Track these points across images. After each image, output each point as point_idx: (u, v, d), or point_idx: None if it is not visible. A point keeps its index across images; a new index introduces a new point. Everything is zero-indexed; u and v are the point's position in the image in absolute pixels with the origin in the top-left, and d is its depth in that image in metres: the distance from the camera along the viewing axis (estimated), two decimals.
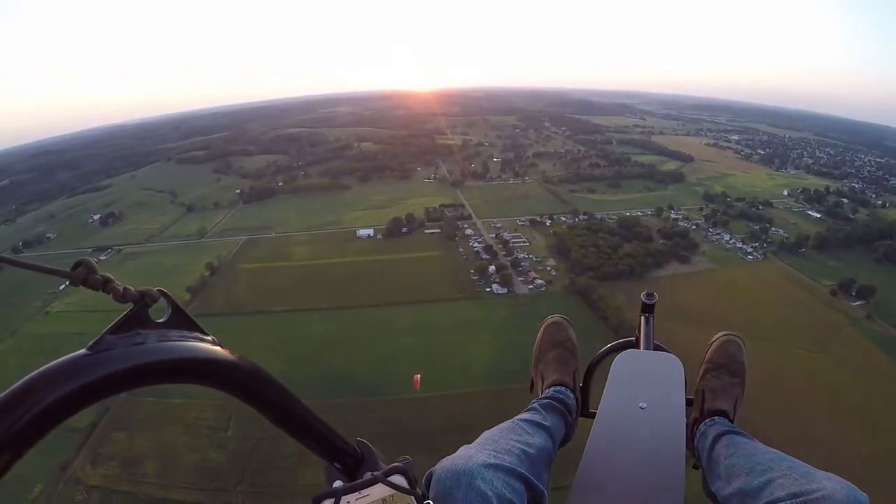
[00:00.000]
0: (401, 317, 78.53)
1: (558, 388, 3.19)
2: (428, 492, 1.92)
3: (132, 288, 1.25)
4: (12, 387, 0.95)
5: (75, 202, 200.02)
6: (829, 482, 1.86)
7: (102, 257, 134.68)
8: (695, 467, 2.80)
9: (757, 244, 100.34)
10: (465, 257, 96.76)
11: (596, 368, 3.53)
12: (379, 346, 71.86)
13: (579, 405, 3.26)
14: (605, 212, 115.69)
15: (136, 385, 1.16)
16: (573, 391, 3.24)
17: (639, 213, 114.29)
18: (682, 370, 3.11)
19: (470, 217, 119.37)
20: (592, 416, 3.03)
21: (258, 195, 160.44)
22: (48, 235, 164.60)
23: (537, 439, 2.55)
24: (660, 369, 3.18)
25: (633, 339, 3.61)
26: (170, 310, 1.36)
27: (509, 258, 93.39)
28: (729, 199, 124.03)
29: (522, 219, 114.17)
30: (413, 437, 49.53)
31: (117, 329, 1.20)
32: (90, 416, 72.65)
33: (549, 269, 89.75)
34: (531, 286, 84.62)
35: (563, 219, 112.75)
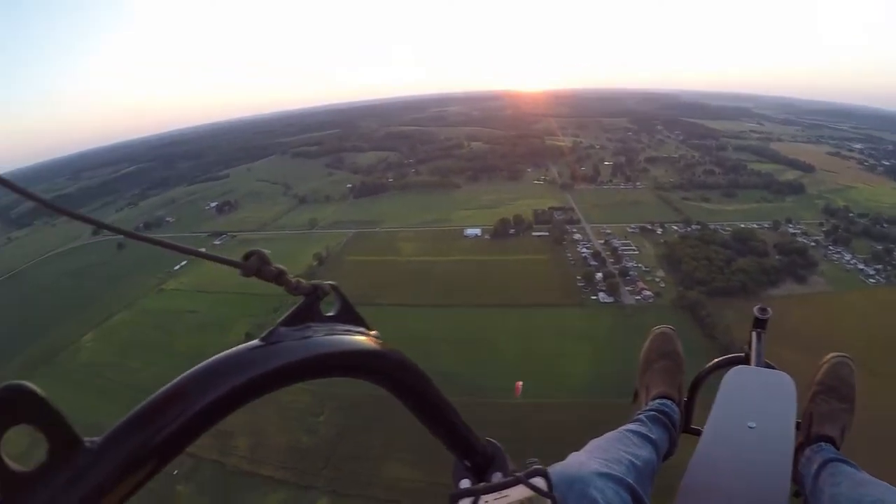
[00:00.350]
0: (504, 319, 78.13)
1: (664, 400, 3.17)
2: None
3: (304, 281, 1.26)
4: (191, 370, 0.98)
5: (194, 190, 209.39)
6: None
7: (217, 242, 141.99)
8: (796, 494, 2.68)
9: (880, 266, 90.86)
10: (572, 262, 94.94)
11: (702, 383, 3.53)
12: (479, 347, 71.82)
13: (683, 420, 3.25)
14: (718, 222, 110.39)
15: (306, 377, 1.16)
16: (678, 405, 3.23)
17: (754, 226, 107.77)
18: (795, 391, 3.04)
19: (579, 221, 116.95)
20: (695, 432, 3.13)
21: (369, 190, 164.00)
22: (167, 219, 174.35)
23: (644, 452, 2.56)
24: (772, 388, 3.09)
25: (743, 354, 3.51)
26: (339, 304, 1.38)
27: (617, 266, 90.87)
28: (851, 215, 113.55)
29: (632, 226, 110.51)
30: (504, 444, 48.95)
31: (290, 321, 1.21)
32: None
33: (657, 280, 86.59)
34: (638, 297, 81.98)
35: (675, 228, 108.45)
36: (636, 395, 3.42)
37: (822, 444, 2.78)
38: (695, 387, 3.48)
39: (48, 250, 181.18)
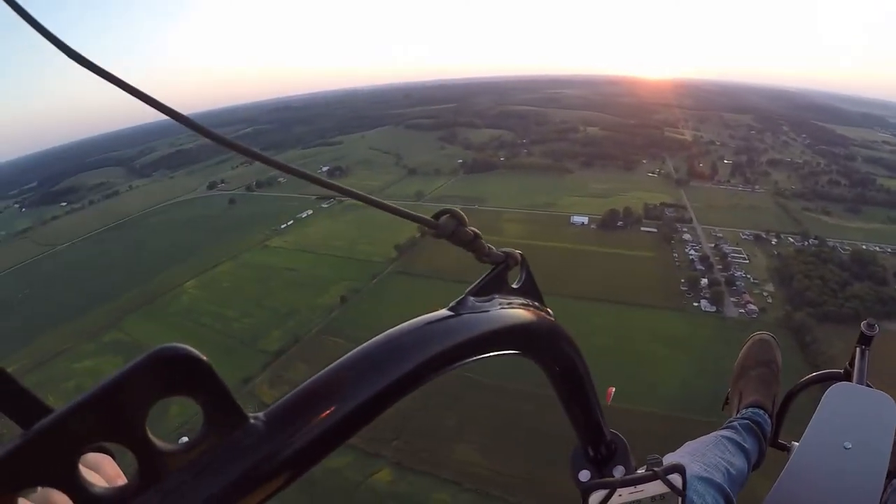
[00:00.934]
0: (599, 314, 77.15)
1: (757, 410, 3.12)
2: None
3: (495, 248, 1.17)
4: (372, 342, 0.87)
5: (308, 153, 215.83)
6: None
7: (324, 205, 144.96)
8: None
9: None
10: (677, 264, 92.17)
11: (795, 397, 3.42)
12: None
13: (773, 432, 3.18)
14: (838, 240, 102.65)
15: (491, 350, 1.06)
16: (771, 416, 3.16)
17: (876, 249, 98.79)
18: None
19: (690, 221, 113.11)
20: (780, 447, 3.10)
21: (479, 167, 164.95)
22: (280, 180, 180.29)
23: (738, 460, 2.59)
24: (872, 409, 2.92)
25: (841, 371, 3.33)
26: (523, 275, 1.29)
27: (725, 274, 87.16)
28: None
29: (746, 232, 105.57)
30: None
31: (479, 291, 1.14)
32: (279, 342, 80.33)
33: (765, 294, 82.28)
34: (742, 310, 78.16)
35: (791, 240, 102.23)
36: (727, 400, 3.41)
37: None
38: (788, 400, 3.42)
39: (165, 200, 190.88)
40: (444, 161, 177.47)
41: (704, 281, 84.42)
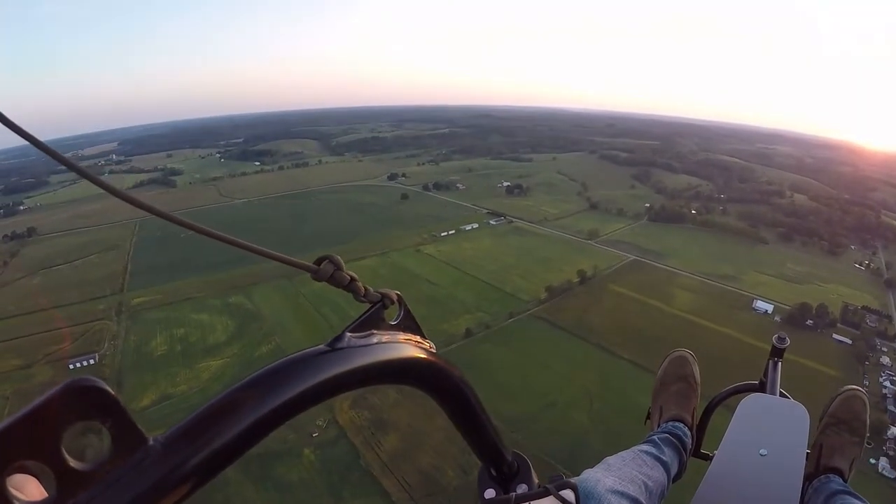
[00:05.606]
0: None
1: (676, 423, 3.23)
2: None
3: (372, 289, 1.30)
4: (243, 379, 0.96)
5: (494, 164, 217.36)
6: None
7: (493, 222, 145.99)
8: None
9: None
10: (866, 397, 76.43)
11: (715, 409, 3.58)
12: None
13: (693, 444, 3.27)
14: None
15: (365, 384, 1.20)
16: (690, 429, 3.26)
17: None
18: (808, 422, 3.04)
19: (894, 339, 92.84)
20: (704, 457, 3.20)
21: (666, 216, 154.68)
22: (458, 185, 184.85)
23: (656, 473, 2.61)
24: (786, 418, 3.10)
25: (757, 382, 3.64)
26: (401, 313, 1.41)
27: None
28: None
29: None
30: None
31: (357, 328, 1.24)
32: None
33: None
34: None
35: None
36: (649, 416, 3.48)
37: (831, 475, 2.89)
38: (708, 412, 3.58)
39: (346, 181, 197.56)
40: (630, 201, 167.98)
41: (893, 430, 67.93)
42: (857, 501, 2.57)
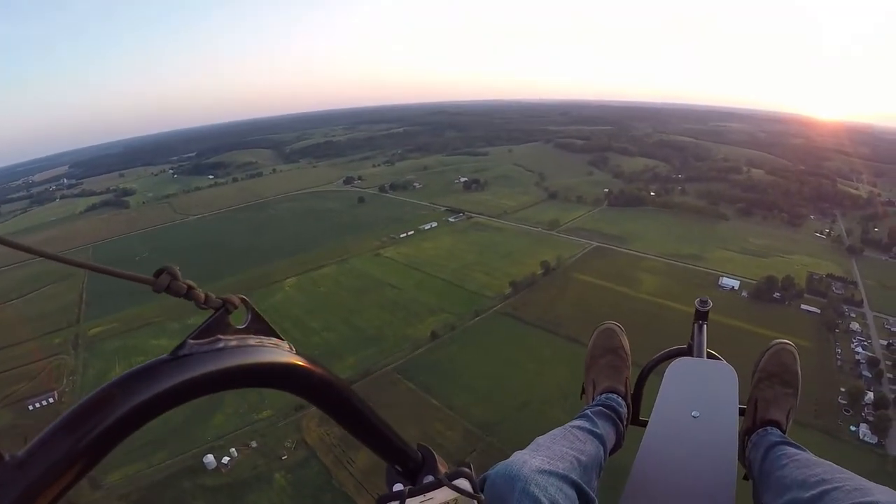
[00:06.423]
0: None
1: (610, 395, 3.23)
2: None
3: (213, 295, 1.27)
4: (90, 394, 0.97)
5: (450, 161, 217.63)
6: (883, 495, 1.88)
7: (452, 219, 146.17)
8: (745, 478, 2.77)
9: None
10: (839, 363, 75.15)
11: (648, 376, 3.56)
12: None
13: (630, 413, 3.29)
14: None
15: (215, 389, 1.19)
16: (625, 398, 3.27)
17: None
18: (736, 379, 3.11)
19: (861, 304, 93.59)
20: (643, 424, 3.12)
21: (626, 200, 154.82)
22: (415, 184, 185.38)
23: (589, 446, 2.59)
24: (713, 378, 3.17)
25: (687, 346, 3.59)
26: (249, 316, 1.38)
27: (895, 389, 69.80)
28: None
29: None
30: None
31: (199, 335, 1.22)
32: (350, 371, 74.93)
33: None
34: None
35: None
36: (583, 391, 3.46)
37: (769, 428, 2.88)
38: (641, 380, 3.56)
39: (301, 188, 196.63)
40: (588, 188, 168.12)
41: (870, 396, 67.11)
42: (794, 450, 2.59)
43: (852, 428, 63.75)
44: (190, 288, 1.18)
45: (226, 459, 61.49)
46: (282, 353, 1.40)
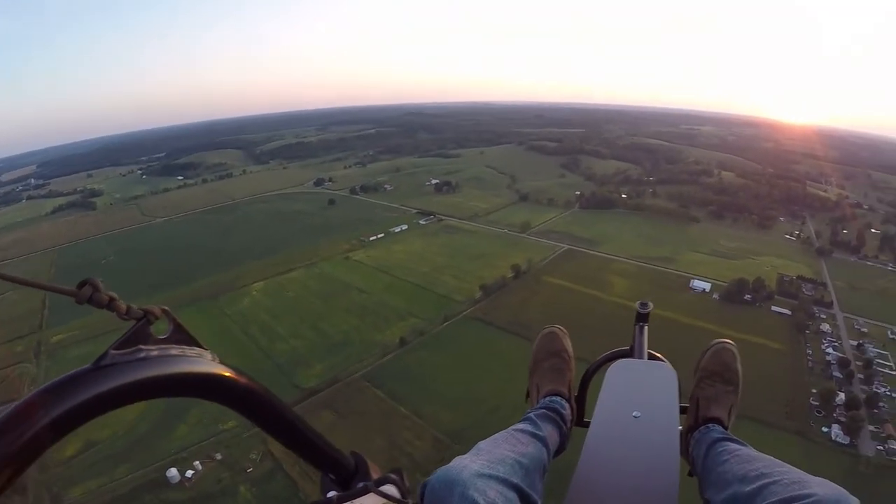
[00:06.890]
0: None
1: (553, 397, 3.22)
2: (422, 502, 1.95)
3: (135, 306, 1.28)
4: (15, 404, 0.98)
5: (422, 163, 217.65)
6: (820, 488, 1.91)
7: (422, 222, 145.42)
8: (690, 475, 2.79)
9: None
10: (810, 365, 75.03)
11: (591, 378, 3.55)
12: None
13: (574, 415, 3.29)
14: None
15: (136, 399, 1.21)
16: (568, 401, 3.27)
17: None
18: (676, 379, 3.12)
19: (831, 305, 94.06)
20: (588, 425, 3.07)
21: (597, 203, 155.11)
22: (386, 186, 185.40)
23: (531, 449, 2.57)
24: (654, 378, 3.21)
25: (629, 348, 3.58)
26: (171, 326, 1.39)
27: (866, 389, 69.65)
28: None
29: None
30: None
31: (121, 345, 1.24)
32: (317, 379, 74.79)
33: None
34: (881, 447, 60.44)
35: None
36: (528, 395, 3.44)
37: (711, 425, 2.90)
38: (584, 382, 3.54)
39: (271, 189, 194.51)
40: (560, 190, 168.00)
41: (841, 397, 67.08)
42: (735, 445, 2.61)
43: (824, 429, 63.66)
44: (111, 299, 1.18)
45: (189, 473, 59.59)
46: (204, 362, 1.40)
